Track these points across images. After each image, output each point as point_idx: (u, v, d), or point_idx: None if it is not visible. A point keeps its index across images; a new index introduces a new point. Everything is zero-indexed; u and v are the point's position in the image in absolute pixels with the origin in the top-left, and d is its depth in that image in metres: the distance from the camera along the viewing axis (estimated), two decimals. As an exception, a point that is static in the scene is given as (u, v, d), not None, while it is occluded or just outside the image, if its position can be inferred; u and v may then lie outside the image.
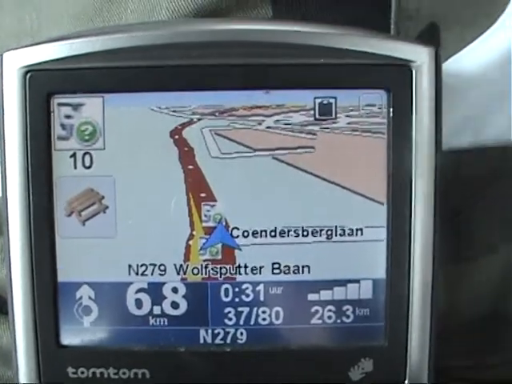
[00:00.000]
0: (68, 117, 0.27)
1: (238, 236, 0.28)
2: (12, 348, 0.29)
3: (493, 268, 0.33)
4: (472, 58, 0.32)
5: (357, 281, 0.28)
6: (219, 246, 0.28)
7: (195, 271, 0.28)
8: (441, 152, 0.28)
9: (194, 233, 0.28)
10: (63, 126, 0.28)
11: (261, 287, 0.28)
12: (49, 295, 0.28)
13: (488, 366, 0.34)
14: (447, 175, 0.29)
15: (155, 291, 0.28)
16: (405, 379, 0.28)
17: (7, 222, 0.28)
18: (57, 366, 0.28)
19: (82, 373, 0.28)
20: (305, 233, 0.28)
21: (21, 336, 0.28)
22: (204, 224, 0.28)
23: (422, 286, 0.28)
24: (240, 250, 0.28)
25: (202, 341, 0.28)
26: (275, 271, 0.28)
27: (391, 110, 0.27)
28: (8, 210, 0.28)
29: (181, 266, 0.28)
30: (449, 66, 0.31)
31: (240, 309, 0.28)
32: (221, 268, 0.28)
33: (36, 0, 0.32)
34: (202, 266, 0.28)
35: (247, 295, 0.28)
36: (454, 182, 0.31)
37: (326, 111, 0.27)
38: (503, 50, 0.32)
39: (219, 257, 0.28)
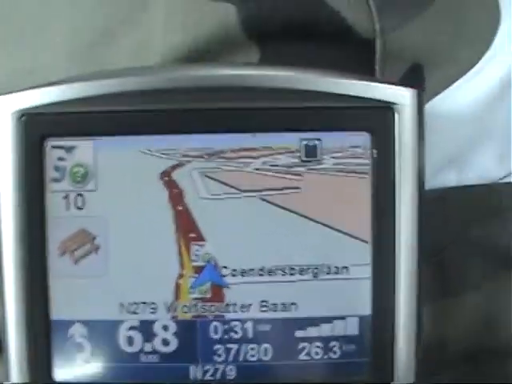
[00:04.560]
0: (61, 159, 0.28)
1: (226, 275, 0.28)
2: (6, 385, 0.29)
3: (476, 304, 0.33)
4: (457, 97, 0.33)
5: (343, 317, 0.29)
6: (208, 284, 0.29)
7: (185, 309, 0.29)
8: (423, 191, 0.29)
9: (184, 272, 0.28)
10: (56, 168, 0.28)
11: (249, 324, 0.29)
12: (42, 332, 0.28)
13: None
14: (431, 213, 0.29)
15: (146, 329, 0.29)
16: (391, 415, 0.29)
17: (1, 261, 0.28)
18: (50, 402, 0.29)
19: (76, 409, 0.29)
20: (292, 271, 0.29)
21: (15, 373, 0.29)
22: (193, 263, 0.28)
23: (407, 322, 0.29)
24: (229, 288, 0.29)
25: (192, 377, 0.29)
26: (263, 309, 0.29)
27: (374, 151, 0.28)
28: (2, 249, 0.28)
29: (171, 304, 0.29)
30: (433, 105, 0.32)
31: (229, 346, 0.29)
32: (210, 306, 0.29)
33: (30, 40, 0.33)
34: (191, 304, 0.29)
35: (236, 332, 0.29)
36: (437, 219, 0.32)
37: (311, 153, 0.28)
38: (488, 89, 0.33)
39: (208, 295, 0.29)
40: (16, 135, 0.28)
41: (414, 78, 0.32)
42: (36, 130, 0.28)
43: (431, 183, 0.30)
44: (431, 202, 0.29)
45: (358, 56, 0.31)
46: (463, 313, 0.33)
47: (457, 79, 0.33)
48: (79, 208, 0.28)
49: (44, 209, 0.28)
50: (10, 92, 0.28)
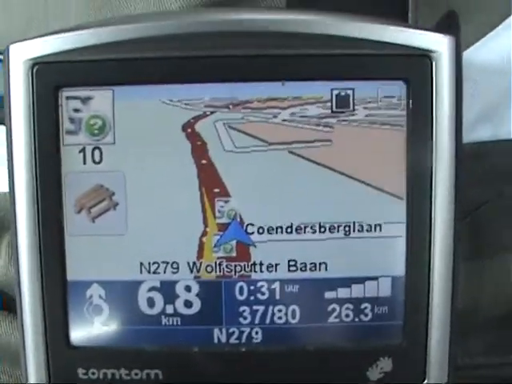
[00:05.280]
0: (77, 110, 0.27)
1: (252, 232, 0.27)
2: (21, 348, 0.28)
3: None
4: (493, 47, 0.31)
5: (375, 278, 0.27)
6: (233, 242, 0.27)
7: (209, 269, 0.27)
8: (461, 145, 0.27)
9: (208, 229, 0.27)
10: (72, 120, 0.27)
11: (276, 285, 0.27)
12: (58, 294, 0.27)
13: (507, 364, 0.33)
14: (466, 169, 0.28)
15: (168, 290, 0.27)
16: (424, 379, 0.28)
17: (15, 219, 0.27)
18: (67, 366, 0.28)
19: (93, 374, 0.28)
20: (322, 229, 0.27)
21: (30, 336, 0.27)
22: (218, 220, 0.27)
23: (442, 283, 0.27)
24: (255, 246, 0.27)
25: (216, 340, 0.27)
26: (291, 268, 0.27)
27: (410, 101, 0.27)
28: (16, 206, 0.27)
29: (194, 263, 0.27)
30: (468, 55, 0.31)
31: (255, 307, 0.27)
32: (235, 265, 0.27)
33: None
34: (215, 263, 0.27)
35: (262, 293, 0.27)
36: (472, 176, 0.31)
37: (343, 103, 0.27)
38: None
39: (234, 254, 0.27)
40: (29, 86, 0.26)
41: (448, 26, 0.30)
42: (50, 80, 0.26)
43: (464, 137, 0.28)
44: (465, 157, 0.28)
45: (389, 3, 0.30)
46: (498, 275, 0.32)
47: (492, 29, 0.31)
48: (96, 162, 0.27)
49: (59, 163, 0.27)
50: (22, 40, 0.27)
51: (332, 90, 0.27)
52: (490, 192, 0.32)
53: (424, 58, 0.27)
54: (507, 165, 0.32)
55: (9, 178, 0.27)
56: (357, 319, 0.28)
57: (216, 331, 0.28)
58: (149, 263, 0.27)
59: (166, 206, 0.27)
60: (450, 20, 0.30)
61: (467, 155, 0.30)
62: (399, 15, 0.30)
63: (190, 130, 0.27)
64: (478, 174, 0.31)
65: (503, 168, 0.32)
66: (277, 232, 0.27)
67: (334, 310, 0.27)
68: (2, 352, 0.33)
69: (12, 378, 0.34)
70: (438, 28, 0.30)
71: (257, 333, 0.28)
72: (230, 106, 0.26)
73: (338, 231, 0.27)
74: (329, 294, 0.27)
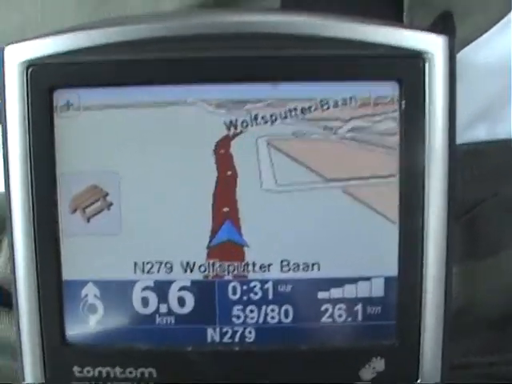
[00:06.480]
0: (71, 111, 0.27)
1: (246, 233, 0.27)
2: (17, 346, 0.28)
3: (508, 266, 0.32)
4: (488, 47, 0.31)
5: (368, 278, 0.27)
6: (227, 243, 0.27)
7: (202, 269, 0.27)
8: (455, 145, 0.27)
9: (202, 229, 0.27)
10: (66, 121, 0.27)
11: (269, 285, 0.27)
12: (54, 293, 0.27)
13: (506, 362, 0.33)
14: (461, 169, 0.28)
15: (161, 289, 0.27)
16: (417, 378, 0.28)
17: (11, 219, 0.27)
18: (62, 364, 0.28)
19: (88, 372, 0.28)
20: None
21: (26, 334, 0.28)
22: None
23: (434, 284, 0.27)
24: (248, 247, 0.27)
25: (209, 340, 0.28)
26: (284, 269, 0.27)
27: (403, 102, 0.27)
28: (11, 207, 0.27)
29: (187, 263, 0.27)
30: (464, 55, 0.31)
31: (248, 307, 0.28)
32: (228, 266, 0.27)
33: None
34: (209, 263, 0.27)
35: (255, 293, 0.27)
36: (467, 175, 0.31)
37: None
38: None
39: (227, 254, 0.27)
40: (23, 87, 0.27)
41: (443, 26, 0.30)
42: (44, 81, 0.27)
43: (460, 137, 0.28)
44: (461, 157, 0.28)
45: (385, 3, 0.30)
46: (493, 274, 0.32)
47: (488, 29, 0.31)
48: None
49: (54, 164, 0.27)
50: (17, 41, 0.27)
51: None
52: (486, 192, 0.32)
53: (417, 58, 0.26)
54: (502, 165, 0.32)
55: (4, 178, 0.27)
56: (349, 319, 0.28)
57: (209, 330, 0.28)
58: (143, 263, 0.27)
59: (159, 206, 0.27)
60: (445, 20, 0.30)
61: (462, 155, 0.30)
62: (395, 16, 0.30)
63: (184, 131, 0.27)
64: (473, 174, 0.31)
65: (498, 168, 0.32)
66: (269, 232, 0.27)
67: (326, 309, 0.28)
68: (4, 346, 0.34)
69: (13, 371, 0.34)
70: (433, 28, 0.30)
71: (250, 332, 0.28)
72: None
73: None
74: (322, 294, 0.27)
